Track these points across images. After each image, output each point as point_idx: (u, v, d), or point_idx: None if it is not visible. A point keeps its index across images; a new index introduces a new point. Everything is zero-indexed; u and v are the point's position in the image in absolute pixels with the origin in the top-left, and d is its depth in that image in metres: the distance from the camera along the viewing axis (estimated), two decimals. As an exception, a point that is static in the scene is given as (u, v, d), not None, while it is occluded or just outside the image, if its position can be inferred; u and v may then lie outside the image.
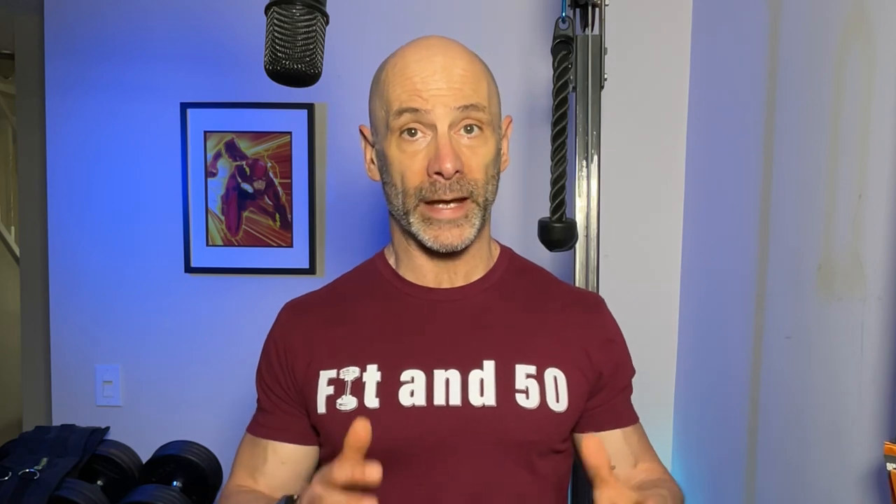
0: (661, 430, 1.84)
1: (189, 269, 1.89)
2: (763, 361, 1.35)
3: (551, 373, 0.92)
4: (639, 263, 1.82)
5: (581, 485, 1.33)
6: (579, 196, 1.32)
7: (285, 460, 0.98)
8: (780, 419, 1.28)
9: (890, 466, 0.82)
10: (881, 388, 0.98)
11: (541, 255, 1.22)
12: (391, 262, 1.00)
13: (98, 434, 1.85)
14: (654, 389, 1.83)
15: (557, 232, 1.19)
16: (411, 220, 0.90)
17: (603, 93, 1.30)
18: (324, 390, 0.92)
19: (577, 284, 1.32)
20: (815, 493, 1.15)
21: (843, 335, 1.07)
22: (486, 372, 0.91)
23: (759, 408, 1.37)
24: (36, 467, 1.67)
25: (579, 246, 1.31)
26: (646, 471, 1.00)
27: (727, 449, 1.51)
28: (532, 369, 0.92)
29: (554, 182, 1.18)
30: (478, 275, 0.98)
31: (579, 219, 1.31)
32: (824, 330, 1.12)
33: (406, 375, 0.91)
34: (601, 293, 1.26)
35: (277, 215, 1.86)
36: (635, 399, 1.04)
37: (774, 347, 1.31)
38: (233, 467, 1.02)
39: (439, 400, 0.89)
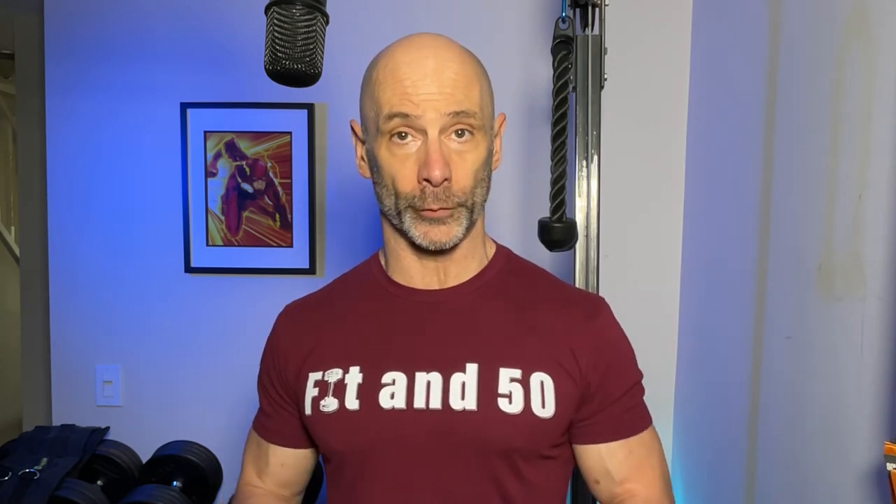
0: (661, 430, 1.81)
1: (189, 269, 1.89)
2: (763, 361, 1.35)
3: (538, 377, 0.90)
4: (639, 263, 1.82)
5: (580, 492, 1.32)
6: (579, 196, 1.32)
7: (284, 463, 1.02)
8: (780, 419, 1.28)
9: (890, 466, 0.82)
10: (881, 388, 0.98)
11: (541, 256, 1.23)
12: (383, 263, 1.00)
13: (98, 434, 1.85)
14: (654, 389, 1.81)
15: (557, 232, 1.19)
16: (403, 220, 0.89)
17: (603, 93, 1.30)
18: (310, 392, 0.93)
19: (577, 284, 1.32)
20: (815, 492, 1.15)
21: (843, 335, 1.07)
22: (469, 375, 0.89)
23: (759, 408, 1.37)
24: (36, 467, 1.67)
25: (579, 246, 1.31)
26: (626, 492, 0.95)
27: (727, 449, 1.51)
28: (517, 373, 0.89)
29: (554, 182, 1.18)
30: (469, 275, 0.96)
31: (579, 219, 1.31)
32: (824, 330, 1.12)
33: (387, 377, 0.90)
34: (601, 293, 1.26)
35: (277, 215, 1.86)
36: (635, 399, 1.02)
37: (774, 347, 1.31)
38: (243, 461, 1.07)
39: (419, 403, 0.88)
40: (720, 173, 1.62)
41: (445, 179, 0.85)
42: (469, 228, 0.91)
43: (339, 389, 0.91)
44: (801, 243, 1.21)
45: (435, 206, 0.86)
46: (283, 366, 0.97)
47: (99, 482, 1.78)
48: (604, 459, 0.95)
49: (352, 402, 0.89)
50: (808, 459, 1.18)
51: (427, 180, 0.85)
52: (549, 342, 0.92)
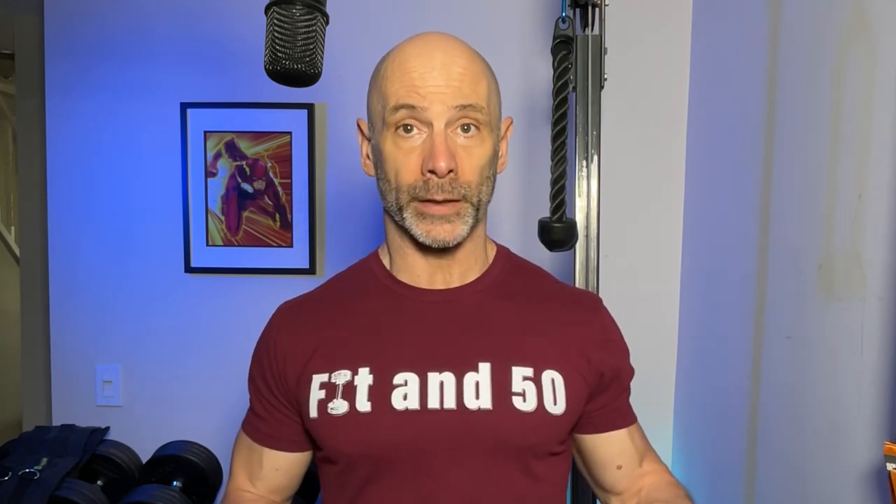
0: (661, 430, 1.84)
1: (189, 269, 1.89)
2: (763, 361, 1.35)
3: (549, 375, 0.91)
4: (639, 263, 1.83)
5: (580, 486, 1.33)
6: (579, 196, 1.32)
7: (279, 467, 1.00)
8: (780, 419, 1.28)
9: (890, 466, 0.82)
10: (881, 389, 0.98)
11: (541, 255, 1.23)
12: (385, 262, 0.99)
13: (98, 434, 1.85)
14: (654, 389, 1.83)
15: (557, 232, 1.19)
16: (405, 216, 0.89)
17: (603, 93, 1.30)
18: (315, 394, 0.91)
19: (577, 284, 1.32)
20: (815, 493, 1.15)
21: (843, 335, 1.07)
22: (482, 374, 0.89)
23: (759, 408, 1.37)
24: (36, 467, 1.67)
25: (579, 246, 1.31)
26: (652, 472, 1.00)
27: (727, 449, 1.51)
28: (529, 371, 0.90)
29: (554, 182, 1.18)
30: (473, 276, 0.97)
31: (579, 219, 1.31)
32: (824, 330, 1.12)
33: (399, 378, 0.89)
34: (601, 293, 1.26)
35: (277, 215, 1.86)
36: (635, 399, 1.03)
37: (774, 347, 1.31)
38: (232, 465, 1.04)
39: (433, 403, 0.88)
40: (720, 173, 1.62)
41: (450, 171, 0.85)
42: (473, 227, 0.91)
43: (349, 391, 0.89)
44: (801, 243, 1.21)
45: (439, 197, 0.86)
46: (282, 367, 0.95)
47: (99, 482, 1.78)
48: (629, 442, 0.99)
49: (363, 404, 0.88)
50: (808, 459, 1.18)
51: (432, 172, 0.85)
52: (556, 340, 0.94)
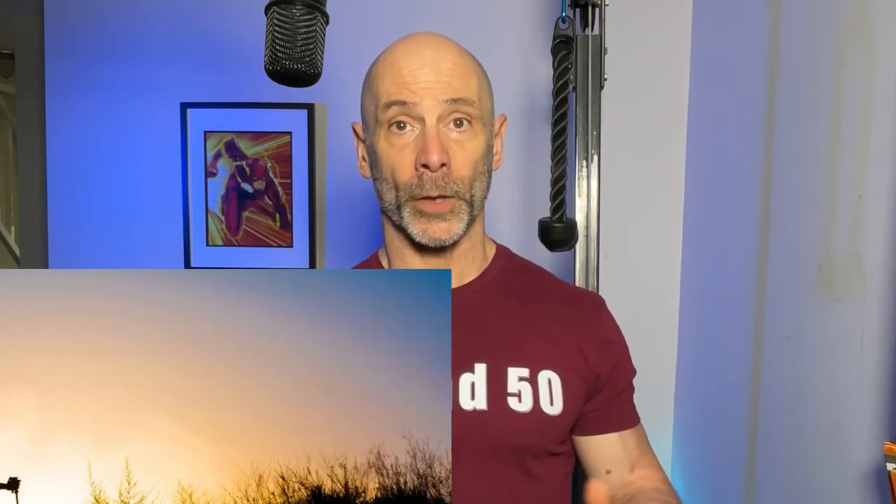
0: (661, 430, 1.84)
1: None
2: (763, 361, 1.35)
3: (545, 375, 0.91)
4: (639, 263, 1.82)
5: (580, 486, 1.33)
6: (579, 196, 1.32)
7: None
8: (780, 419, 1.28)
9: (890, 466, 0.82)
10: (881, 389, 0.98)
11: (541, 255, 1.22)
12: (384, 263, 1.00)
13: (98, 434, 1.85)
14: (654, 389, 1.83)
15: (558, 232, 1.19)
16: (403, 214, 0.89)
17: (603, 93, 1.30)
18: None
19: (577, 284, 1.32)
20: (815, 493, 1.15)
21: (843, 335, 1.07)
22: (478, 375, 0.90)
23: (758, 408, 1.37)
24: (36, 467, 1.67)
25: (579, 246, 1.31)
26: (643, 478, 0.99)
27: (727, 449, 1.51)
28: (525, 372, 0.91)
29: (554, 182, 1.18)
30: (471, 276, 0.97)
31: (579, 219, 1.31)
32: (824, 330, 1.12)
33: None
34: (601, 293, 1.26)
35: (277, 215, 1.86)
36: (636, 399, 1.03)
37: (774, 347, 1.31)
38: None
39: None
40: (720, 173, 1.62)
41: (443, 165, 0.86)
42: (469, 224, 0.91)
43: None
44: (801, 243, 1.21)
45: (434, 193, 0.87)
46: None
47: (99, 482, 1.78)
48: (619, 446, 0.97)
49: None
50: (808, 459, 1.18)
51: (425, 166, 0.86)
52: (555, 340, 0.94)
